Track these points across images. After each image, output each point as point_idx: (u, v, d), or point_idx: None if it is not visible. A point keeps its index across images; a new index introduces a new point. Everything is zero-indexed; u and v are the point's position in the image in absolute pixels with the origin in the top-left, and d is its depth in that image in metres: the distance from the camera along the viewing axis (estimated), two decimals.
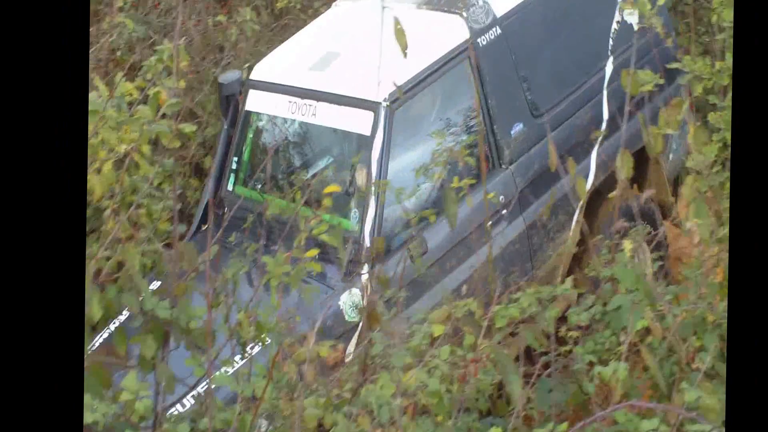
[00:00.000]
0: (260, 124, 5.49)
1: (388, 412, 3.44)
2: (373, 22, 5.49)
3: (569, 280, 4.37)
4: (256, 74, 5.53)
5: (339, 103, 5.12)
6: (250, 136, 5.50)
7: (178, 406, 4.02)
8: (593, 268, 4.48)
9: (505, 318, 4.07)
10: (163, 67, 4.18)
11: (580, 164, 5.46)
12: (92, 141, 3.74)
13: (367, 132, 4.98)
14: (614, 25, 5.73)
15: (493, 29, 5.36)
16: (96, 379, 3.32)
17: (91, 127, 3.75)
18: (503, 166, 5.33)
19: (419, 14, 5.44)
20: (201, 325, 3.51)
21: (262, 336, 3.59)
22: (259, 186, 5.37)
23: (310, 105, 5.19)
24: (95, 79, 3.98)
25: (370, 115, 4.99)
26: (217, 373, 3.38)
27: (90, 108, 3.82)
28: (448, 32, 5.29)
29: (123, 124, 3.90)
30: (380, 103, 4.98)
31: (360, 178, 4.60)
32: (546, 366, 4.08)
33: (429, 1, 5.47)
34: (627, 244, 4.42)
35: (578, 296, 4.38)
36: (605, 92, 5.61)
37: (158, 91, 4.03)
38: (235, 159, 5.49)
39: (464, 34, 5.29)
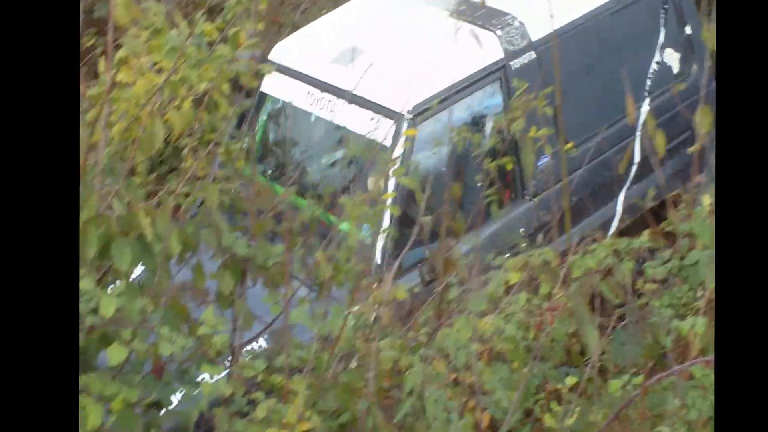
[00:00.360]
0: (275, 107, 5.26)
1: (465, 356, 3.42)
2: (401, 21, 5.29)
3: (646, 233, 4.29)
4: (274, 55, 5.28)
5: (360, 106, 4.89)
6: (264, 118, 5.27)
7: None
8: (670, 222, 4.40)
9: (582, 268, 4.01)
10: (243, 9, 4.15)
11: (606, 206, 5.27)
12: (173, 78, 3.72)
13: (387, 142, 4.75)
14: (653, 65, 5.50)
15: (528, 54, 5.11)
16: (174, 313, 3.34)
17: (171, 64, 3.74)
18: (527, 198, 5.09)
19: (451, 23, 5.15)
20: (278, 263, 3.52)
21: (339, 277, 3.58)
22: (269, 172, 5.18)
23: (329, 100, 4.98)
24: (176, 17, 3.96)
25: (391, 125, 4.77)
26: (294, 311, 3.37)
27: (170, 45, 3.81)
28: (481, 49, 5.01)
29: (203, 62, 3.88)
30: (403, 114, 4.78)
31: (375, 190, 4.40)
32: (621, 318, 4.03)
33: (462, 12, 5.21)
34: (705, 200, 4.34)
35: (654, 250, 4.31)
36: (638, 134, 5.32)
37: (238, 31, 4.00)
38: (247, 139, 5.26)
39: (497, 54, 5.05)
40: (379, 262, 4.59)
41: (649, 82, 5.49)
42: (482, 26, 5.13)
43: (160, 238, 3.31)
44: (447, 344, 3.45)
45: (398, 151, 4.72)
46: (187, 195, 3.57)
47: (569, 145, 4.77)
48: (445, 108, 4.86)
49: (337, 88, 4.94)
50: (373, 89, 4.88)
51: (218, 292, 3.47)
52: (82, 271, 3.13)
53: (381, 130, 4.79)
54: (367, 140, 4.77)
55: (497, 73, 5.03)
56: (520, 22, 5.15)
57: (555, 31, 5.06)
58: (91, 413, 2.90)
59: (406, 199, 4.48)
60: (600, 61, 5.33)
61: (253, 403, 3.15)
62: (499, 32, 5.10)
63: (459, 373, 3.50)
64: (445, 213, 3.97)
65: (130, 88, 3.81)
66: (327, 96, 5.00)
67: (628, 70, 5.30)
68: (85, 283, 3.05)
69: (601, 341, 3.79)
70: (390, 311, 3.52)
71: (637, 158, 5.34)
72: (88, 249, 3.24)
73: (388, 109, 4.82)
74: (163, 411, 3.28)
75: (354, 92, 4.85)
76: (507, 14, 5.18)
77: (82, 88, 3.71)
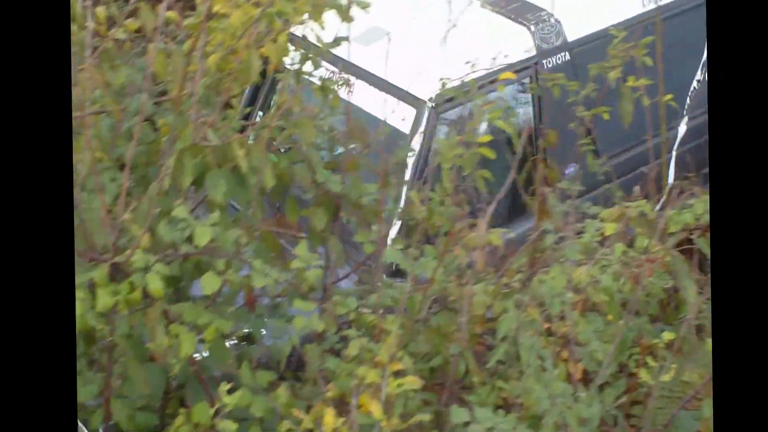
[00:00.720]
0: (290, 82, 5.06)
1: (559, 304, 3.32)
2: (429, 4, 4.98)
3: None
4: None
5: (380, 88, 4.64)
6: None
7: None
8: None
9: (679, 224, 3.87)
10: None
11: None
12: (269, 10, 3.65)
13: (406, 129, 4.51)
14: (694, 83, 5.25)
15: (562, 54, 4.84)
16: (266, 246, 3.30)
17: None
18: None
19: (482, 14, 4.95)
20: (372, 202, 3.46)
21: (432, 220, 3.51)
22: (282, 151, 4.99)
23: (347, 80, 4.49)
24: None
25: (411, 111, 4.52)
26: (388, 250, 3.29)
27: None
28: (512, 44, 4.76)
29: None
30: (425, 101, 4.53)
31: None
32: None
33: (495, 2, 4.96)
34: None
35: None
36: (674, 153, 5.06)
37: None
38: (260, 113, 4.99)
39: (529, 51, 4.80)
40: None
41: (688, 101, 5.23)
42: (515, 20, 4.90)
43: (255, 171, 3.26)
44: (542, 291, 3.35)
45: (417, 142, 4.46)
46: (282, 129, 3.51)
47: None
48: (469, 100, 4.61)
49: (358, 68, 4.67)
50: (396, 72, 4.60)
51: (311, 229, 3.42)
52: (177, 201, 3.10)
53: (400, 117, 4.53)
54: (386, 125, 4.54)
55: (528, 71, 4.78)
56: (556, 20, 4.90)
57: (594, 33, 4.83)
58: (184, 342, 2.87)
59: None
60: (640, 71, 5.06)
61: (344, 341, 3.09)
62: (532, 28, 4.86)
63: (552, 322, 3.41)
64: (540, 160, 3.87)
65: (226, 20, 3.75)
66: (346, 75, 4.70)
67: (668, 86, 5.03)
68: (180, 211, 3.01)
69: (699, 299, 3.66)
70: (483, 256, 3.43)
71: (671, 179, 5.12)
72: (184, 178, 3.21)
73: (410, 94, 4.55)
74: (254, 345, 3.25)
75: (374, 73, 4.63)
76: (542, 10, 4.93)
77: (179, 18, 3.68)
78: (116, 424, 2.93)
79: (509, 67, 4.63)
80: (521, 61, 4.77)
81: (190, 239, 2.99)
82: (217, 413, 2.83)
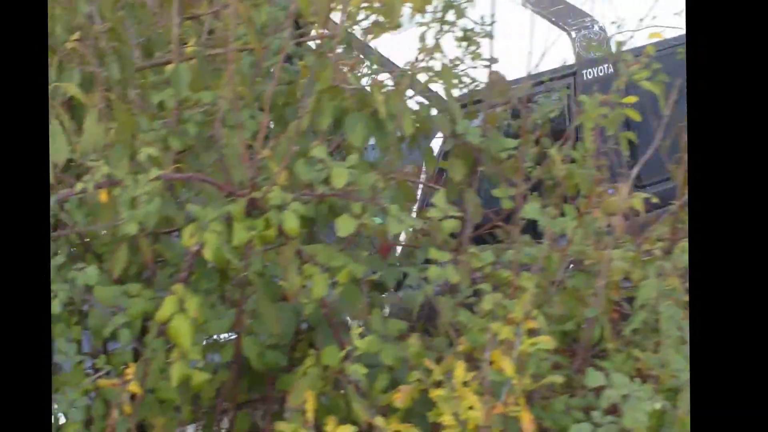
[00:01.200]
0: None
1: None
2: None
3: None
4: None
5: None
6: None
7: None
8: None
9: None
10: None
11: None
12: None
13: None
14: None
15: (605, 65, 4.49)
16: (401, 193, 3.22)
17: None
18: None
19: (522, 14, 4.66)
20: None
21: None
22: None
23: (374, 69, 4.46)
24: None
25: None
26: (527, 206, 3.18)
27: None
28: (549, 49, 4.27)
29: None
30: None
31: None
32: None
33: (536, 3, 4.67)
34: None
35: None
36: None
37: None
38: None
39: (568, 59, 4.51)
40: None
41: None
42: (556, 23, 4.63)
43: (393, 117, 3.19)
44: (684, 261, 3.20)
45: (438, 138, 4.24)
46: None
47: None
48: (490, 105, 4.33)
49: (383, 57, 4.34)
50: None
51: (448, 180, 3.33)
52: (316, 141, 3.05)
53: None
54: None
55: (564, 81, 4.47)
56: (601, 28, 4.60)
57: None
58: (317, 283, 2.82)
59: None
60: (683, 94, 4.67)
61: (477, 295, 2.99)
62: (573, 34, 4.59)
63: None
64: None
65: None
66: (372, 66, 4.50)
67: None
68: (319, 151, 2.95)
69: None
70: (623, 221, 3.29)
71: None
72: (323, 120, 3.15)
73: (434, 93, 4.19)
74: (385, 294, 3.18)
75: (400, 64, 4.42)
76: (587, 16, 4.64)
77: None
78: (246, 360, 2.90)
79: (540, 74, 4.33)
80: (556, 69, 4.47)
81: (326, 181, 2.93)
82: (346, 357, 2.77)
